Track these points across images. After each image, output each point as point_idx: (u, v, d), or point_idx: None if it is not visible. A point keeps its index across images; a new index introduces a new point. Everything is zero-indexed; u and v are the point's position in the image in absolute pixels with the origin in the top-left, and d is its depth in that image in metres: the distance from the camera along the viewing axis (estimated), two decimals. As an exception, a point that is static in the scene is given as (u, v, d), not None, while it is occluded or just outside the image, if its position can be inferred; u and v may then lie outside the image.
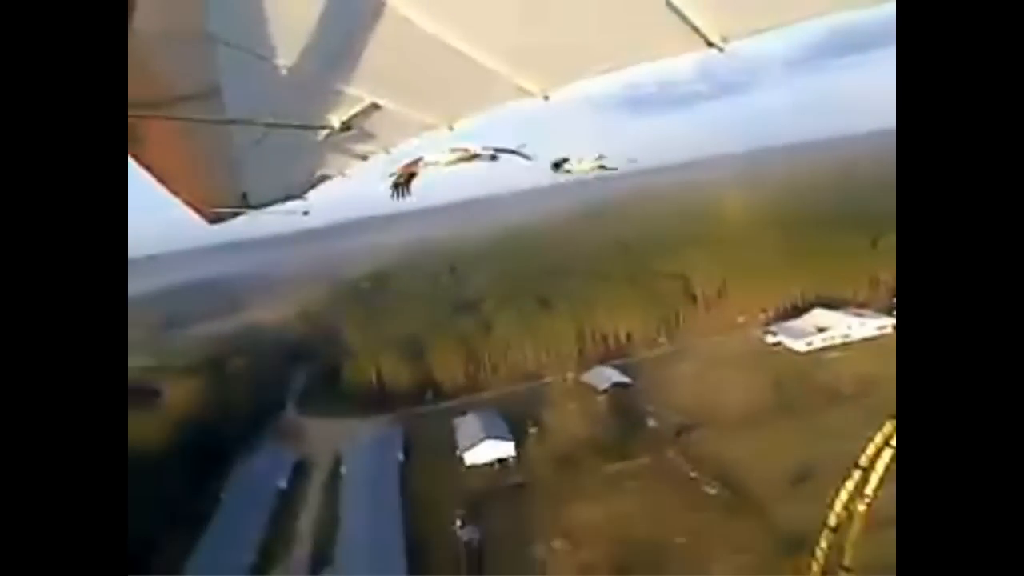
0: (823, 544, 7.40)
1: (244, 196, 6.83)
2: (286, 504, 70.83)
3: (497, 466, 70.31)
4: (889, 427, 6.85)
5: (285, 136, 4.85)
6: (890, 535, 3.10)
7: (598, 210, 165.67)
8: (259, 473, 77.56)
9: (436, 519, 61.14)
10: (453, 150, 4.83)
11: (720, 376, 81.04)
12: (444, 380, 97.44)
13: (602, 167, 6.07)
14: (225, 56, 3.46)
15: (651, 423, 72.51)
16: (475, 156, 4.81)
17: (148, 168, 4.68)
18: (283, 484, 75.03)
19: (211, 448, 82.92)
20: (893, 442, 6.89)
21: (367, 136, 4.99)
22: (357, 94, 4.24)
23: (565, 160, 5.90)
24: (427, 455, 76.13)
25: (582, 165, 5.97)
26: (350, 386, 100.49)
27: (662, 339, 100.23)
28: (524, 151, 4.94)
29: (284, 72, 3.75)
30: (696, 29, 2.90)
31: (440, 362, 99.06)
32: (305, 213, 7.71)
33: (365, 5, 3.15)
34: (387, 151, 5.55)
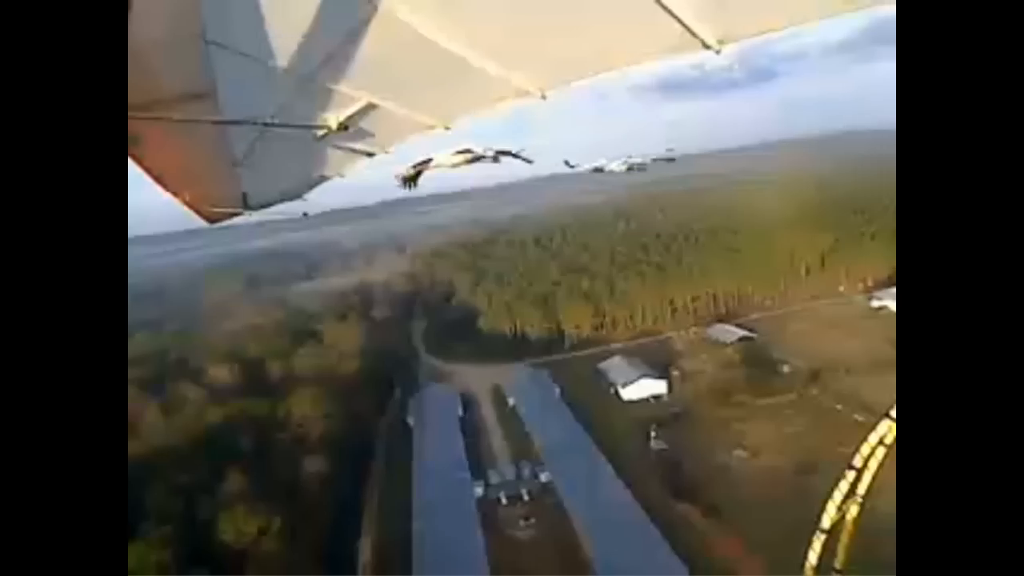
0: (816, 546, 7.21)
1: (244, 197, 6.94)
2: (471, 427, 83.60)
3: (653, 401, 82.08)
4: (883, 427, 6.73)
5: (283, 137, 4.92)
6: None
7: (669, 192, 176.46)
8: (437, 402, 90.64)
9: (614, 436, 73.36)
10: (457, 152, 5.11)
11: (835, 333, 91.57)
12: (571, 334, 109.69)
13: (631, 168, 7.00)
14: (223, 57, 3.53)
15: (785, 369, 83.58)
16: (479, 158, 5.13)
17: (148, 169, 4.80)
18: (460, 412, 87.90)
19: (370, 380, 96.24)
20: (887, 441, 6.86)
21: (365, 136, 5.03)
22: (355, 94, 4.29)
23: (601, 169, 7.18)
24: (581, 391, 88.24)
25: (614, 165, 7.00)
26: (485, 336, 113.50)
27: (768, 302, 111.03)
28: (524, 154, 5.27)
29: (282, 73, 3.78)
30: (691, 32, 2.95)
31: (567, 318, 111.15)
32: (305, 214, 7.80)
33: (362, 6, 3.20)
34: (385, 151, 5.59)
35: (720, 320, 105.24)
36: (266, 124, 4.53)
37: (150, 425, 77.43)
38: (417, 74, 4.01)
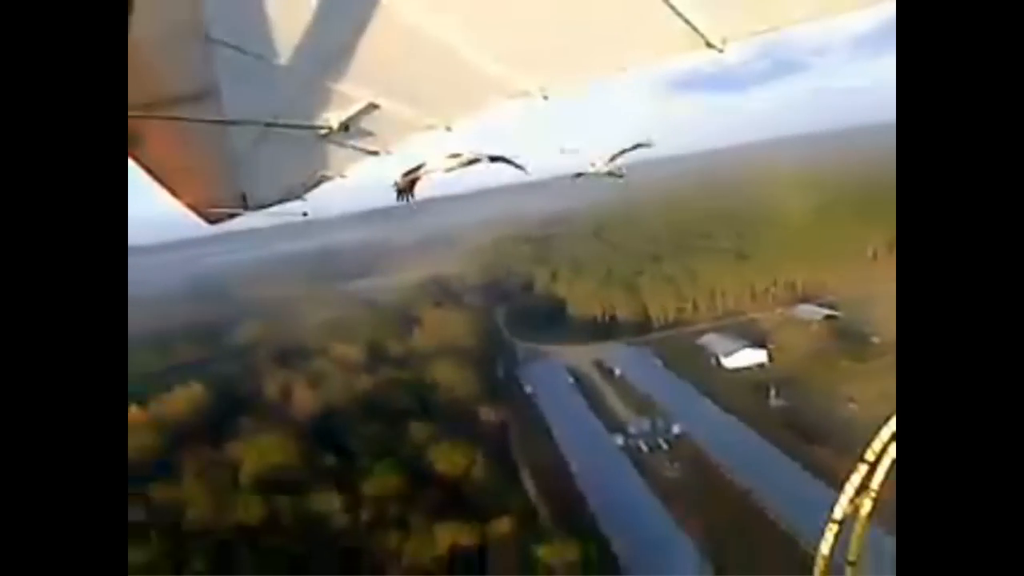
0: (828, 536, 7.28)
1: (243, 197, 6.97)
2: (587, 392, 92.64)
3: (757, 369, 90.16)
4: (895, 420, 6.64)
5: (284, 137, 4.97)
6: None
7: (714, 182, 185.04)
8: (547, 373, 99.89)
9: (729, 397, 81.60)
10: (450, 156, 5.12)
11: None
12: (657, 316, 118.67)
13: (610, 173, 7.10)
14: (223, 56, 3.54)
15: (875, 339, 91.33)
16: (472, 161, 5.11)
17: (147, 169, 4.82)
18: (571, 380, 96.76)
19: (478, 357, 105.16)
20: None
21: (366, 136, 5.06)
22: (355, 94, 4.31)
23: (581, 174, 7.10)
24: (683, 362, 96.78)
25: (596, 170, 6.97)
26: (573, 320, 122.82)
27: (844, 287, 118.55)
28: (516, 160, 5.27)
29: (284, 71, 3.80)
30: (696, 30, 2.93)
31: (652, 301, 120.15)
32: (304, 214, 7.90)
33: (363, 5, 3.22)
34: (387, 151, 5.63)
35: (801, 302, 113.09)
36: (267, 124, 4.58)
37: (300, 398, 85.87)
38: (419, 74, 4.07)
